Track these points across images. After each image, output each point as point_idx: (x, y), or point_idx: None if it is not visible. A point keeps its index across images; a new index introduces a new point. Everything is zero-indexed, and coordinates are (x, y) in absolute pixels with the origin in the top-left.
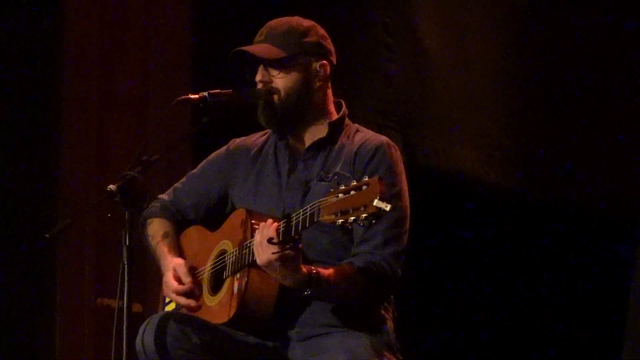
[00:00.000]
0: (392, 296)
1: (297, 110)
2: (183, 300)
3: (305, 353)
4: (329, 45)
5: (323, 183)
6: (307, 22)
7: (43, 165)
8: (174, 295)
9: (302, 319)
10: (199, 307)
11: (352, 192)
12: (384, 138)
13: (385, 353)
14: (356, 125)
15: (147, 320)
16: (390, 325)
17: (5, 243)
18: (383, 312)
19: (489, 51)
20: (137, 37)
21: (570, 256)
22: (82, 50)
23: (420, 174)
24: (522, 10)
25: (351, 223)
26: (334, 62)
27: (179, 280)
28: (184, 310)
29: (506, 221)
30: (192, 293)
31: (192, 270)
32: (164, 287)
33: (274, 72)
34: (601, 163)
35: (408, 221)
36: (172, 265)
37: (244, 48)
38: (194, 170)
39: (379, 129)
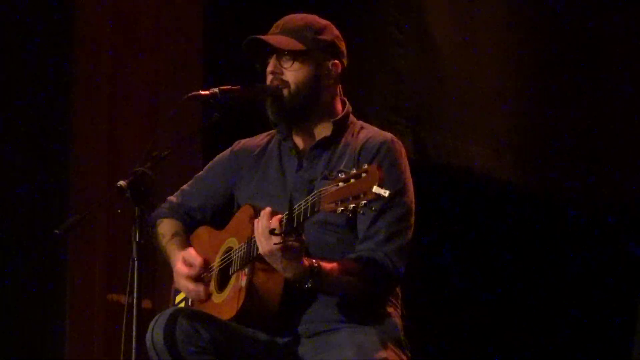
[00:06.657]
0: (399, 293)
1: (305, 106)
2: (193, 286)
3: (314, 349)
4: (343, 46)
5: (327, 181)
6: (323, 21)
7: (54, 162)
8: (184, 282)
9: (310, 314)
10: (208, 296)
11: (352, 180)
12: (388, 134)
13: (394, 348)
14: (361, 122)
15: (157, 316)
16: (398, 321)
17: (16, 239)
18: (391, 308)
19: (499, 48)
20: (148, 34)
21: (581, 254)
22: (93, 47)
23: (430, 171)
24: (534, 8)
25: (351, 211)
26: (345, 64)
27: (189, 266)
28: (196, 304)
29: (515, 218)
30: (202, 278)
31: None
32: (175, 277)
33: (287, 65)
34: (612, 161)
35: (413, 217)
36: (182, 255)
37: (260, 36)
38: (201, 173)
39: (389, 125)
